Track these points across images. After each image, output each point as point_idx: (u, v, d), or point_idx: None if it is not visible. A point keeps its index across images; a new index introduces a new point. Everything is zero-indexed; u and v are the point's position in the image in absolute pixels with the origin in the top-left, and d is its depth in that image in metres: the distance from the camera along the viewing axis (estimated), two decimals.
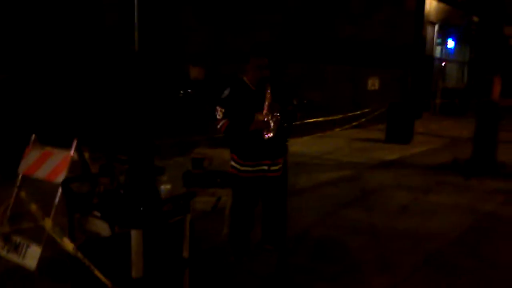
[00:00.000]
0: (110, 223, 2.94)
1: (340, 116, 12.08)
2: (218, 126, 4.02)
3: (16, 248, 3.17)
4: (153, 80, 9.30)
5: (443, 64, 21.76)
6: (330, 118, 11.50)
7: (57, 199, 3.24)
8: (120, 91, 8.77)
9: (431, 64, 19.87)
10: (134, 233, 2.67)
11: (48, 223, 2.82)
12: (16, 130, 6.68)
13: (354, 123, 12.31)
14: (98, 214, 3.01)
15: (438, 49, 21.70)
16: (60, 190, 3.21)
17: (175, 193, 3.14)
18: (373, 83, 16.29)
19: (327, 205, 5.93)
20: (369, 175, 7.83)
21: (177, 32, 9.71)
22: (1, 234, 3.33)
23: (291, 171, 4.62)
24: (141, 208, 2.76)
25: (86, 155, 3.37)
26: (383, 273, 4.00)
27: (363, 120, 12.63)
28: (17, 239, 3.27)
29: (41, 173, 3.46)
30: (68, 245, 2.63)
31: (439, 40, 21.46)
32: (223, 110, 3.96)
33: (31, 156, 3.63)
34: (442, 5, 20.20)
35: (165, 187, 2.97)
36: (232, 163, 4.10)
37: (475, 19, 20.90)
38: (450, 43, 22.55)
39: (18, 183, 3.64)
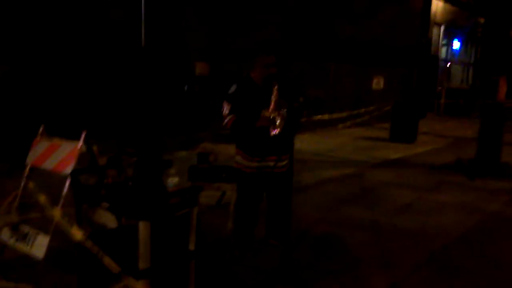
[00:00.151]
0: (117, 215, 2.97)
1: (345, 114, 12.09)
2: (224, 122, 4.04)
3: (24, 237, 3.21)
4: (159, 75, 9.33)
5: (448, 65, 21.72)
6: (335, 116, 11.51)
7: (65, 190, 3.27)
8: (128, 84, 8.80)
9: (436, 65, 19.84)
10: (142, 225, 2.70)
11: (56, 212, 2.86)
12: (23, 121, 6.74)
13: (358, 120, 12.32)
14: (105, 205, 3.04)
15: (443, 50, 21.67)
16: (68, 181, 3.23)
17: (181, 187, 3.16)
18: (377, 82, 16.28)
19: (330, 202, 5.96)
20: (372, 173, 7.85)
21: (180, 28, 9.72)
22: (9, 223, 3.36)
23: (295, 168, 4.64)
24: (149, 200, 2.79)
25: (94, 147, 3.40)
26: (385, 271, 4.02)
27: (367, 117, 12.64)
28: (25, 228, 3.30)
29: (49, 164, 3.48)
30: (77, 233, 2.66)
31: (444, 41, 21.42)
32: (229, 106, 3.98)
33: (39, 147, 3.66)
34: (448, 6, 20.14)
35: (173, 180, 3.00)
36: (238, 158, 4.12)
37: (481, 20, 20.86)
38: (456, 44, 22.51)
39: (26, 174, 3.67)
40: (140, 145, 3.09)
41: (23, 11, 7.58)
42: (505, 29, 8.50)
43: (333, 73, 14.14)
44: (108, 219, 3.28)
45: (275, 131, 3.92)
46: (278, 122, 3.91)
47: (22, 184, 3.62)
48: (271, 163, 4.02)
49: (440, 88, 19.24)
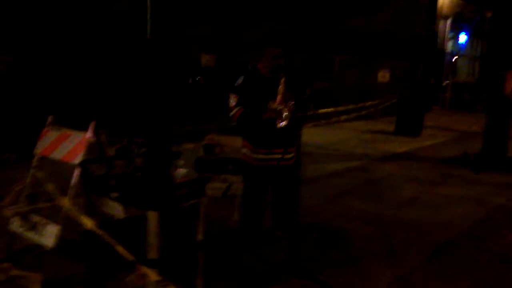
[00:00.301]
0: (126, 205, 3.00)
1: (350, 107, 12.08)
2: (231, 114, 4.05)
3: (33, 226, 3.23)
4: (165, 67, 9.34)
5: (454, 59, 21.62)
6: (341, 109, 11.50)
7: (73, 180, 3.29)
8: (137, 74, 8.82)
9: (442, 58, 19.75)
10: (151, 215, 2.73)
11: (66, 201, 2.88)
12: (31, 111, 6.76)
13: (363, 113, 12.32)
14: (114, 196, 3.07)
15: (450, 43, 21.56)
16: (76, 171, 3.25)
17: (189, 178, 3.19)
18: (383, 75, 16.23)
19: (335, 195, 5.97)
20: (378, 167, 7.85)
21: (185, 20, 9.72)
22: (19, 213, 3.39)
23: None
24: (158, 191, 2.81)
25: (103, 138, 3.41)
26: (391, 263, 4.03)
27: (372, 110, 12.63)
28: (35, 217, 3.33)
29: (58, 154, 3.49)
30: (87, 222, 2.68)
31: (451, 35, 21.31)
32: (236, 98, 3.99)
33: (48, 137, 3.66)
34: None
35: (181, 171, 3.02)
36: (244, 150, 4.13)
37: (488, 14, 20.73)
38: (462, 38, 22.38)
39: (34, 164, 3.68)
40: (150, 136, 3.11)
41: (30, 4, 7.59)
42: None
43: (337, 65, 14.10)
44: (116, 210, 3.32)
45: (282, 124, 3.92)
46: (285, 114, 3.91)
47: (30, 173, 3.64)
48: (278, 156, 4.01)
49: (446, 81, 19.16)
